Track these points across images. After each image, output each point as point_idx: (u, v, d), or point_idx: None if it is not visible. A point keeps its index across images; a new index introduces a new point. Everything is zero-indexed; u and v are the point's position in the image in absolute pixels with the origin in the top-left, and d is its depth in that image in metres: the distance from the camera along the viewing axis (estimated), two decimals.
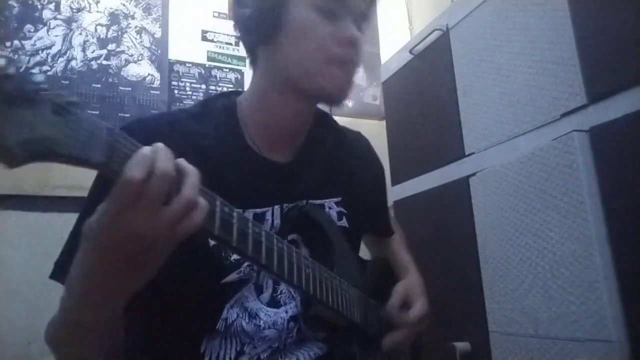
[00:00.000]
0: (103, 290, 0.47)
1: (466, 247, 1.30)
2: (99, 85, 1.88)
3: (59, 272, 0.63)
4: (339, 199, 0.81)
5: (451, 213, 1.40)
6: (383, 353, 0.76)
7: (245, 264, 0.67)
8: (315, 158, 0.79)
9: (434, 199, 1.49)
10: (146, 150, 0.43)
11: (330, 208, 0.79)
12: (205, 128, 0.71)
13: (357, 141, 0.92)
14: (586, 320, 0.95)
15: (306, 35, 0.68)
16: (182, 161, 0.45)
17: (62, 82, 1.82)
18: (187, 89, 2.03)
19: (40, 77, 1.75)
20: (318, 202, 0.77)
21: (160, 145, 0.44)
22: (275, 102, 0.73)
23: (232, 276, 0.67)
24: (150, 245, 0.44)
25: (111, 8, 1.96)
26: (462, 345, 1.26)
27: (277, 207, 0.72)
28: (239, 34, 0.75)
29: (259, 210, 0.70)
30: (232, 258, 0.67)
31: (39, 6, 1.84)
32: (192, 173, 0.45)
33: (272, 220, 0.71)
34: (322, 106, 0.79)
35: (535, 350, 1.06)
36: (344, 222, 0.80)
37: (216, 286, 0.66)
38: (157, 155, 0.43)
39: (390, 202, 1.70)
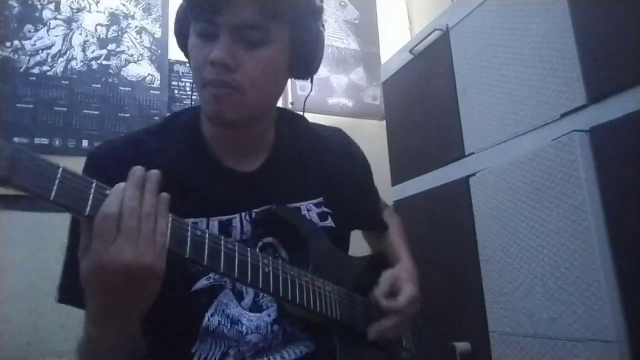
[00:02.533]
0: (112, 322, 0.52)
1: (466, 247, 1.30)
2: (99, 85, 1.88)
3: (65, 295, 0.67)
4: (320, 199, 0.80)
5: (451, 213, 1.40)
6: (370, 346, 0.75)
7: None
8: (286, 163, 0.79)
9: (434, 199, 1.49)
10: (118, 189, 0.50)
11: (309, 210, 0.79)
12: (165, 144, 0.73)
13: (335, 139, 0.90)
14: (586, 320, 0.95)
15: (191, 61, 0.70)
16: (146, 188, 0.52)
17: (62, 82, 1.82)
18: (187, 89, 2.03)
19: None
20: (293, 205, 0.77)
21: (131, 178, 0.51)
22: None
23: (202, 282, 0.67)
24: (140, 271, 0.48)
25: (111, 8, 1.96)
26: (462, 345, 1.26)
27: (244, 214, 0.73)
28: None
29: (224, 218, 0.71)
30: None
31: (39, 6, 1.84)
32: (149, 192, 0.52)
33: (241, 227, 0.72)
34: (293, 109, 0.79)
35: (535, 350, 1.06)
36: (329, 222, 0.80)
37: (188, 294, 0.67)
38: (127, 190, 0.50)
39: (390, 202, 1.70)
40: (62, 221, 1.76)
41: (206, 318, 0.67)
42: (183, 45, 0.74)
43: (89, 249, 0.49)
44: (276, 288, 0.62)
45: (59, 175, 0.46)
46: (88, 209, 0.48)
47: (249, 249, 0.61)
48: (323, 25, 0.76)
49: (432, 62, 1.56)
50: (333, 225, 0.80)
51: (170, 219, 0.53)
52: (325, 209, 0.81)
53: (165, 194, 0.53)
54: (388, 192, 1.71)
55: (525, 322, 1.09)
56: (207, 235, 0.56)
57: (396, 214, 1.05)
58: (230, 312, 0.68)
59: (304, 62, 0.74)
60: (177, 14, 0.75)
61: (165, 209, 0.52)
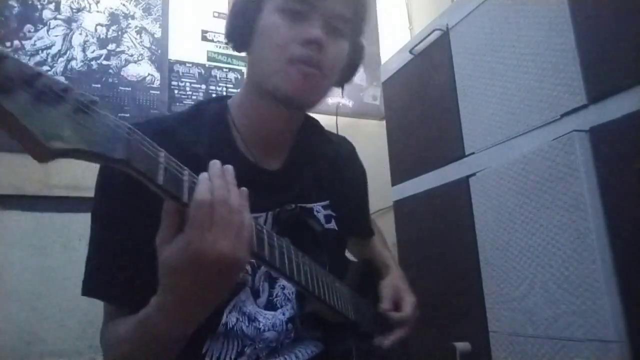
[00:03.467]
0: (197, 309, 0.52)
1: (466, 247, 1.30)
2: (99, 85, 1.88)
3: (92, 289, 0.67)
4: (327, 202, 0.82)
5: (451, 213, 1.40)
6: (378, 348, 0.77)
7: None
8: (304, 164, 0.81)
9: (434, 199, 1.49)
10: (205, 177, 0.49)
11: (317, 212, 0.80)
12: (197, 134, 0.72)
13: (343, 146, 0.94)
14: (586, 320, 0.95)
15: (269, 38, 0.69)
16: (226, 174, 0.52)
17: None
18: (187, 89, 2.03)
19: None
20: (308, 206, 0.79)
21: (214, 171, 0.51)
22: (255, 105, 0.74)
23: None
24: (232, 261, 0.48)
25: (111, 8, 1.96)
26: (462, 345, 1.26)
27: (270, 213, 0.74)
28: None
29: (254, 216, 0.71)
30: None
31: (39, 6, 1.84)
32: (232, 184, 0.52)
33: (265, 225, 0.72)
34: (309, 112, 0.81)
35: (535, 350, 1.06)
36: (332, 225, 0.82)
37: None
38: (214, 180, 0.49)
39: (390, 202, 1.70)
40: (62, 221, 1.78)
41: (225, 315, 0.67)
42: (242, 28, 0.72)
43: (173, 238, 0.48)
44: (313, 286, 0.64)
45: (162, 159, 0.46)
46: (186, 196, 0.47)
47: (292, 247, 0.62)
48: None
49: (432, 62, 1.56)
50: (336, 228, 0.82)
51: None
52: (331, 212, 0.82)
53: (245, 190, 0.53)
54: (388, 192, 1.71)
55: (525, 322, 1.09)
56: (264, 230, 0.57)
57: (375, 223, 1.08)
58: (247, 310, 0.69)
59: (350, 70, 0.79)
60: None
61: (247, 204, 0.53)
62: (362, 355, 0.74)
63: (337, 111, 2.27)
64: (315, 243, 0.75)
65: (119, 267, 0.63)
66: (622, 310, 0.91)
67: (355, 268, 0.88)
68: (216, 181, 0.49)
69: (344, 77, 0.79)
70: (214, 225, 0.47)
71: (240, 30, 0.73)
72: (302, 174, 0.80)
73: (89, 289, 0.66)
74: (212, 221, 0.47)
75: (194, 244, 0.47)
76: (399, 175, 1.71)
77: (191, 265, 0.47)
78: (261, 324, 0.69)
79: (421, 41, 1.59)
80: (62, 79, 1.82)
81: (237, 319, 0.68)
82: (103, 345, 0.66)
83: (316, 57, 0.67)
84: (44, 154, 0.36)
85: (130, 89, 1.92)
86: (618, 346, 0.89)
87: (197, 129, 0.73)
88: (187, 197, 0.47)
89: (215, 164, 0.52)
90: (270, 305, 0.71)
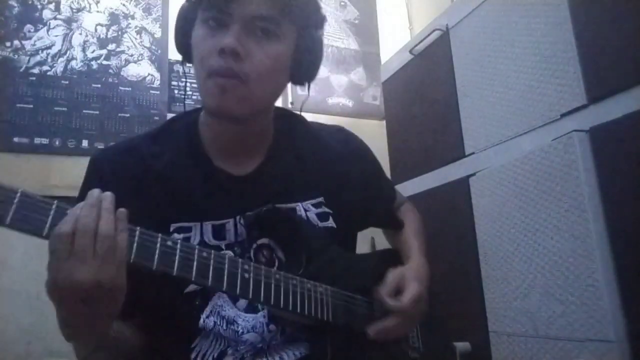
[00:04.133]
0: (79, 331, 0.54)
1: (466, 247, 1.30)
2: (99, 85, 1.88)
3: None
4: (320, 199, 0.79)
5: (451, 213, 1.40)
6: (369, 346, 0.74)
7: None
8: (283, 164, 0.79)
9: (434, 199, 1.49)
10: (76, 208, 0.51)
11: (306, 210, 0.78)
12: (163, 148, 0.74)
13: (335, 137, 0.89)
14: (586, 320, 0.95)
15: (196, 51, 0.69)
16: (103, 204, 0.52)
17: (62, 82, 1.82)
18: (187, 89, 2.03)
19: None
20: (289, 205, 0.76)
21: (88, 198, 0.52)
22: (209, 118, 0.75)
23: (193, 285, 0.68)
24: (94, 289, 0.49)
25: (111, 8, 1.96)
26: (462, 345, 1.26)
27: (239, 217, 0.72)
28: None
29: (217, 222, 0.71)
30: None
31: (39, 6, 1.84)
32: (105, 211, 0.52)
33: (235, 230, 0.72)
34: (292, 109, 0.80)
35: (535, 350, 1.06)
36: (330, 222, 0.79)
37: (180, 296, 0.67)
38: (82, 209, 0.50)
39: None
40: None
41: (202, 319, 0.67)
42: (183, 44, 0.73)
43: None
44: (256, 293, 0.62)
45: (16, 200, 0.48)
46: (46, 230, 0.49)
47: (227, 256, 0.61)
48: (323, 35, 0.77)
49: (432, 62, 1.56)
50: (334, 225, 0.79)
51: (137, 231, 0.54)
52: (326, 209, 0.80)
53: (122, 210, 0.53)
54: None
55: (525, 322, 1.09)
56: (178, 246, 0.56)
57: (415, 210, 1.01)
58: (226, 314, 0.69)
59: (306, 68, 0.74)
60: (181, 8, 0.74)
61: (125, 225, 0.53)
62: (339, 351, 0.71)
63: (337, 111, 2.28)
64: (294, 242, 0.73)
65: None
66: (622, 310, 0.91)
67: (367, 262, 0.84)
68: (83, 211, 0.50)
69: (300, 76, 0.75)
70: (72, 255, 0.49)
71: (183, 44, 0.73)
72: (280, 174, 0.78)
73: None
74: (69, 252, 0.49)
75: (51, 273, 0.49)
76: (399, 175, 1.71)
77: (55, 292, 0.50)
78: (240, 327, 0.68)
79: (421, 41, 1.59)
80: (62, 79, 1.82)
81: (215, 323, 0.68)
82: None
83: (232, 66, 0.64)
84: None
85: (130, 89, 1.92)
86: (618, 346, 0.89)
87: (165, 144, 0.75)
88: (46, 231, 0.49)
89: (91, 193, 0.53)
90: (251, 308, 0.70)
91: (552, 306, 1.02)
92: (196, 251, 0.57)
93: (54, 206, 0.50)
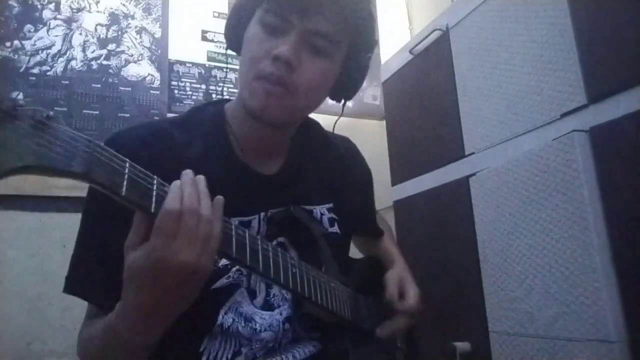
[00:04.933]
0: (157, 317, 0.52)
1: (466, 247, 1.30)
2: (99, 85, 1.88)
3: (73, 286, 0.66)
4: (330, 205, 0.82)
5: (451, 213, 1.40)
6: (376, 347, 0.77)
7: (234, 269, 0.69)
8: (304, 167, 0.81)
9: (434, 199, 1.49)
10: (176, 185, 0.49)
11: (322, 214, 0.80)
12: (191, 137, 0.72)
13: (346, 147, 0.93)
14: (586, 320, 0.95)
15: (248, 50, 0.69)
16: (198, 183, 0.52)
17: (62, 82, 1.82)
18: (187, 89, 2.03)
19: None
20: (308, 208, 0.79)
21: (186, 179, 0.50)
22: (243, 114, 0.74)
23: (222, 281, 0.68)
24: (194, 270, 0.49)
25: (111, 8, 1.96)
26: (462, 345, 1.26)
27: (262, 214, 0.73)
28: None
29: (245, 219, 0.72)
30: (220, 264, 0.68)
31: (39, 6, 1.84)
32: (204, 195, 0.51)
33: (259, 227, 0.73)
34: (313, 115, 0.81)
35: (535, 350, 1.06)
36: (335, 228, 0.82)
37: (207, 291, 0.67)
38: (185, 188, 0.49)
39: (390, 202, 1.70)
40: (62, 221, 1.77)
41: (220, 315, 0.67)
42: (234, 32, 0.72)
43: (141, 244, 0.49)
44: (302, 288, 0.64)
45: (127, 170, 0.46)
46: (153, 205, 0.48)
47: (279, 249, 0.62)
48: (371, 57, 0.78)
49: (432, 62, 1.56)
50: (338, 231, 0.82)
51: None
52: (334, 215, 0.82)
53: (220, 198, 0.53)
54: (388, 192, 1.71)
55: (525, 322, 1.09)
56: (247, 235, 0.57)
57: (385, 220, 1.08)
58: (244, 310, 0.69)
59: (347, 87, 0.77)
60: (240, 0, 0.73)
61: (221, 213, 0.53)
62: (358, 349, 0.74)
63: (337, 111, 2.27)
64: (312, 243, 0.75)
65: (102, 268, 0.63)
66: (622, 310, 0.91)
67: (359, 266, 0.88)
68: (187, 190, 0.49)
69: (340, 94, 0.77)
70: (180, 235, 0.47)
71: (233, 36, 0.73)
72: (302, 177, 0.80)
73: (70, 287, 0.66)
74: (177, 231, 0.47)
75: (156, 252, 0.47)
76: (399, 175, 1.71)
77: (152, 273, 0.48)
78: (257, 324, 0.69)
79: (421, 41, 1.59)
80: (62, 79, 1.82)
81: (233, 320, 0.68)
82: (78, 342, 0.66)
83: (282, 75, 0.65)
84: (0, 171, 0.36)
85: (130, 89, 1.92)
86: (618, 346, 0.89)
87: (193, 133, 0.73)
88: (154, 206, 0.48)
89: (187, 173, 0.52)
90: (267, 306, 0.71)
91: (552, 306, 1.02)
92: (259, 241, 0.58)
93: (155, 181, 0.49)
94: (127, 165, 0.46)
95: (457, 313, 1.33)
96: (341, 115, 0.84)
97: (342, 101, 0.79)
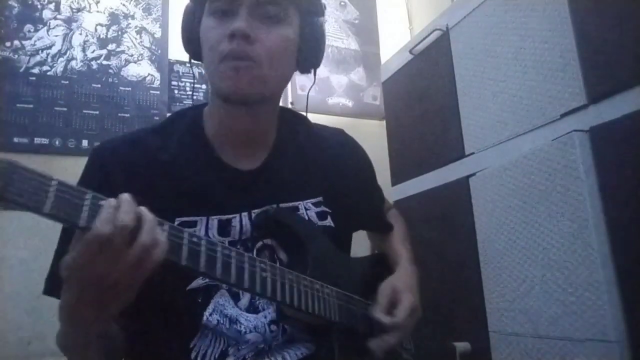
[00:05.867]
0: (84, 317, 0.53)
1: (466, 247, 1.30)
2: (99, 85, 1.88)
3: (51, 287, 0.69)
4: (319, 199, 0.80)
5: (451, 213, 1.40)
6: (369, 348, 0.76)
7: None
8: (286, 162, 0.80)
9: (434, 199, 1.49)
10: (110, 204, 0.49)
11: (307, 209, 0.79)
12: (167, 141, 0.74)
13: (336, 139, 0.91)
14: (586, 320, 0.95)
15: (205, 42, 0.71)
16: (141, 209, 0.51)
17: (62, 82, 1.82)
18: (187, 89, 2.03)
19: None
20: (290, 204, 0.77)
21: (123, 197, 0.50)
22: (219, 109, 0.75)
23: (197, 282, 0.68)
24: (115, 284, 0.50)
25: (111, 8, 1.96)
26: (462, 345, 1.26)
27: (244, 214, 0.73)
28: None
29: (224, 217, 0.71)
30: None
31: (39, 6, 1.84)
32: (148, 220, 0.51)
33: (241, 227, 0.72)
34: (294, 108, 0.80)
35: (535, 350, 1.06)
36: (328, 222, 0.80)
37: (184, 292, 0.67)
38: (120, 208, 0.49)
39: (390, 202, 1.70)
40: None
41: (204, 317, 0.67)
42: (191, 40, 0.74)
43: (72, 251, 0.50)
44: (274, 292, 0.63)
45: (52, 188, 0.46)
46: (82, 221, 0.48)
47: (246, 255, 0.61)
48: (325, 21, 0.79)
49: (432, 62, 1.56)
50: (332, 225, 0.80)
51: (167, 227, 0.53)
52: (325, 209, 0.80)
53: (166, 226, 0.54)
54: (388, 192, 1.71)
55: (525, 322, 1.09)
56: (203, 242, 0.56)
57: (401, 217, 1.04)
58: (228, 312, 0.69)
59: (310, 54, 0.76)
60: (187, 7, 0.75)
61: (164, 238, 0.52)
62: (345, 351, 0.72)
63: (337, 111, 2.28)
64: (299, 242, 0.74)
65: None
66: (622, 310, 0.91)
67: (360, 264, 0.86)
68: (122, 214, 0.49)
69: (305, 62, 0.77)
70: (104, 253, 0.48)
71: (190, 41, 0.75)
72: (284, 171, 0.78)
73: (49, 288, 0.68)
74: (102, 250, 0.48)
75: (78, 261, 0.49)
76: (399, 175, 1.71)
77: (74, 276, 0.50)
78: (242, 326, 0.69)
79: (421, 41, 1.59)
80: (62, 79, 1.82)
81: (218, 321, 0.68)
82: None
83: (244, 49, 0.66)
84: None
85: (130, 89, 1.93)
86: (618, 346, 0.89)
87: (169, 137, 0.75)
88: (83, 221, 0.48)
89: (123, 197, 0.51)
90: (253, 308, 0.71)
91: (552, 306, 1.02)
92: (219, 248, 0.58)
93: (88, 197, 0.49)
94: (54, 182, 0.47)
95: (457, 313, 1.33)
96: (312, 86, 0.84)
97: (312, 71, 0.79)
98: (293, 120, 0.85)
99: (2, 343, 1.49)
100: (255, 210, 0.73)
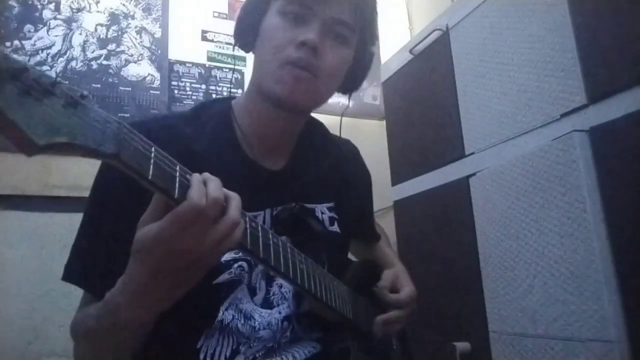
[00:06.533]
0: (153, 296, 0.52)
1: (466, 247, 1.30)
2: (99, 85, 1.88)
3: (72, 274, 0.67)
4: (332, 204, 0.83)
5: (451, 213, 1.40)
6: (375, 348, 0.77)
7: (236, 264, 0.69)
8: (307, 165, 0.81)
9: (434, 199, 1.49)
10: (199, 178, 0.49)
11: (323, 213, 0.81)
12: (199, 132, 0.73)
13: (348, 150, 0.95)
14: (586, 320, 0.95)
15: (268, 40, 0.71)
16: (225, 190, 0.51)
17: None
18: (187, 89, 2.03)
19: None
20: (310, 206, 0.79)
21: (207, 175, 0.50)
22: (257, 106, 0.75)
23: (224, 277, 0.68)
24: (196, 260, 0.49)
25: (111, 8, 1.96)
26: (462, 345, 1.26)
27: (267, 211, 0.74)
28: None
29: (251, 214, 0.72)
30: (222, 259, 0.68)
31: (39, 6, 1.84)
32: (235, 197, 0.52)
33: (264, 223, 0.73)
34: (315, 114, 0.82)
35: (535, 350, 1.06)
36: (335, 228, 0.82)
37: (209, 287, 0.67)
38: (210, 183, 0.49)
39: (390, 202, 1.71)
40: (62, 221, 1.77)
41: (221, 312, 0.67)
42: (247, 28, 0.74)
43: (155, 223, 0.48)
44: (310, 285, 0.64)
45: (152, 155, 0.46)
46: (177, 192, 0.47)
47: (288, 245, 0.62)
48: (374, 52, 0.82)
49: (432, 62, 1.56)
50: (338, 231, 0.82)
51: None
52: (334, 215, 0.83)
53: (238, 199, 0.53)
54: (388, 192, 1.71)
55: (525, 322, 1.09)
56: (259, 228, 0.57)
57: (379, 224, 1.09)
58: (244, 307, 0.69)
59: (356, 78, 0.80)
60: None
61: (242, 220, 0.52)
62: (359, 350, 0.74)
63: (337, 111, 2.27)
64: (314, 242, 0.75)
65: (103, 257, 0.63)
66: (622, 310, 0.91)
67: (356, 268, 0.88)
68: (214, 192, 0.49)
69: (349, 85, 0.80)
70: (194, 227, 0.48)
71: (246, 31, 0.74)
72: (305, 174, 0.80)
73: (69, 274, 0.66)
74: (193, 224, 0.47)
75: (165, 234, 0.47)
76: (399, 175, 1.71)
77: (156, 251, 0.48)
78: (256, 322, 0.69)
79: (421, 41, 1.59)
80: (62, 79, 1.83)
81: (233, 317, 0.68)
82: (71, 324, 0.66)
83: (310, 60, 0.67)
84: (32, 148, 0.35)
85: (130, 89, 1.92)
86: (618, 346, 0.89)
87: (200, 128, 0.74)
88: (178, 193, 0.47)
89: (210, 176, 0.52)
90: (267, 304, 0.72)
91: (552, 306, 1.02)
92: (270, 235, 0.59)
93: (178, 167, 0.49)
94: (153, 150, 0.46)
95: (457, 313, 1.33)
96: (347, 108, 0.89)
97: (347, 94, 0.83)
98: (312, 126, 0.87)
99: (2, 343, 1.49)
100: (277, 208, 0.75)
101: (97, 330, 0.58)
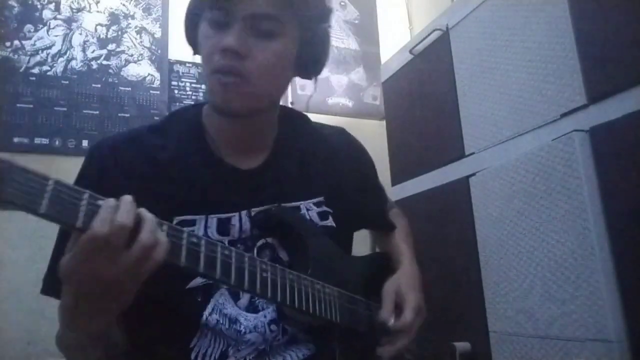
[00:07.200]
0: (83, 319, 0.53)
1: (466, 247, 1.30)
2: (99, 85, 1.88)
3: (48, 287, 0.68)
4: (320, 199, 0.80)
5: (451, 213, 1.40)
6: (370, 348, 0.75)
7: None
8: (287, 161, 0.79)
9: (434, 199, 1.49)
10: (109, 204, 0.48)
11: (308, 209, 0.78)
12: (166, 140, 0.74)
13: (337, 138, 0.90)
14: (586, 320, 0.95)
15: (202, 50, 0.70)
16: (141, 210, 0.51)
17: (62, 82, 1.82)
18: (187, 89, 2.03)
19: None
20: (292, 204, 0.77)
21: (123, 198, 0.50)
22: (213, 114, 0.75)
23: (197, 280, 0.68)
24: (114, 285, 0.49)
25: (111, 8, 1.96)
26: (462, 345, 1.26)
27: (244, 212, 0.72)
28: None
29: (223, 216, 0.71)
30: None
31: (39, 6, 1.84)
32: (149, 219, 0.50)
33: (240, 225, 0.72)
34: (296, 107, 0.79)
35: (535, 350, 1.06)
36: (329, 222, 0.79)
37: (183, 291, 0.67)
38: (119, 208, 0.48)
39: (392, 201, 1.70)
40: None
41: (204, 317, 0.67)
42: (192, 38, 0.74)
43: (72, 252, 0.49)
44: (274, 293, 0.63)
45: (49, 188, 0.46)
46: (80, 222, 0.47)
47: (247, 255, 0.61)
48: (330, 27, 0.76)
49: (432, 62, 1.56)
50: (334, 224, 0.80)
51: (167, 227, 0.53)
52: (326, 209, 0.80)
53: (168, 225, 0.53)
54: (388, 192, 1.71)
55: (525, 322, 1.09)
56: (203, 242, 0.56)
57: (404, 216, 1.03)
58: (228, 312, 0.69)
59: (311, 61, 0.75)
60: (189, 4, 0.74)
61: (168, 239, 0.52)
62: (346, 352, 0.72)
63: (337, 111, 2.28)
64: (300, 242, 0.73)
65: None
66: (622, 310, 0.91)
67: (362, 264, 0.85)
68: (121, 214, 0.48)
69: (306, 69, 0.76)
70: (102, 254, 0.47)
71: (190, 38, 0.74)
72: (285, 171, 0.78)
73: (46, 287, 0.68)
74: (100, 251, 0.47)
75: (75, 262, 0.48)
76: (399, 175, 1.71)
77: (72, 278, 0.49)
78: (242, 326, 0.68)
79: (421, 41, 1.59)
80: (62, 79, 1.82)
81: (218, 321, 0.67)
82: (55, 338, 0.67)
83: (234, 64, 0.65)
84: None
85: (130, 89, 1.92)
86: (618, 346, 0.89)
87: (168, 135, 0.74)
88: (82, 222, 0.47)
89: (125, 198, 0.51)
90: (252, 308, 0.70)
91: (552, 306, 1.02)
92: (219, 248, 0.57)
93: (85, 196, 0.48)
94: (50, 183, 0.46)
95: (457, 313, 1.33)
96: (312, 95, 0.85)
97: (313, 78, 0.78)
98: (293, 120, 0.85)
99: (2, 343, 1.49)
100: (255, 209, 0.73)
101: (64, 340, 0.63)
